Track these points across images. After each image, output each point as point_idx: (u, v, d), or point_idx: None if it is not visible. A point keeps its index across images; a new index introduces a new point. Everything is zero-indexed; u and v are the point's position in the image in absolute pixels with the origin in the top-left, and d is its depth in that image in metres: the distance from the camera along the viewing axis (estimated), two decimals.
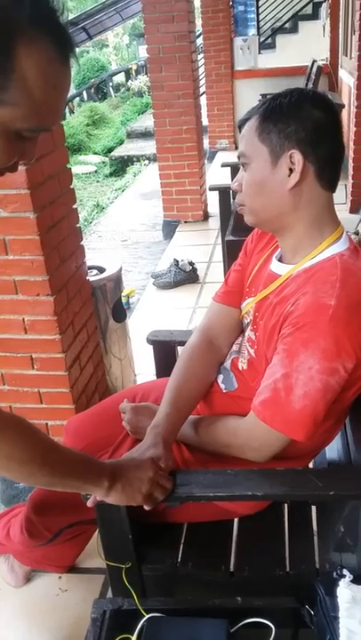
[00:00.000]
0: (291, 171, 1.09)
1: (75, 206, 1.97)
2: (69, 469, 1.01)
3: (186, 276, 3.86)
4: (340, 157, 1.14)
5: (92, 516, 1.20)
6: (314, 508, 1.40)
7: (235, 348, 1.35)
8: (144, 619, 0.99)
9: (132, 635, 0.98)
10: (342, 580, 0.90)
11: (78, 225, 2.00)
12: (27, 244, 1.69)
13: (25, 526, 1.43)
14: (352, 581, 0.93)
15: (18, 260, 1.72)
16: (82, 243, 2.03)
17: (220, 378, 1.34)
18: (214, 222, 4.73)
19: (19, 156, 0.79)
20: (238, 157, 1.16)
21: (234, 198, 3.53)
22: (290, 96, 1.10)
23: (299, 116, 1.08)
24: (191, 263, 3.91)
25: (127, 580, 1.16)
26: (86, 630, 1.54)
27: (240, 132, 1.16)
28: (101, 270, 2.29)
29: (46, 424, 1.97)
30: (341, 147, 1.14)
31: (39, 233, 1.68)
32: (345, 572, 0.92)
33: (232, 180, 3.71)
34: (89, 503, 1.12)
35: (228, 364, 1.34)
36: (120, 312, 2.39)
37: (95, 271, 2.27)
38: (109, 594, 1.62)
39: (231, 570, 1.25)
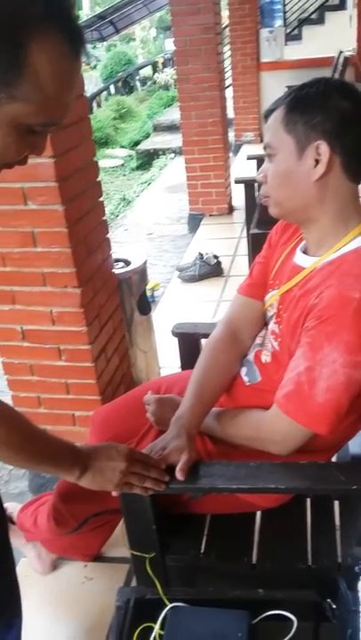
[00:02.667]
0: (317, 162, 1.08)
1: (101, 199, 1.98)
2: (43, 457, 1.04)
3: (210, 270, 3.86)
4: None
5: (117, 506, 1.22)
6: (337, 503, 1.40)
7: (258, 340, 1.35)
8: (167, 608, 1.00)
9: (155, 623, 0.99)
10: None
11: (104, 218, 2.01)
12: (55, 236, 1.71)
13: (52, 514, 1.46)
14: None
15: (46, 253, 1.74)
16: (108, 235, 2.04)
17: (244, 370, 1.34)
18: (239, 215, 4.71)
19: (29, 149, 0.80)
20: (264, 148, 1.16)
21: (259, 191, 3.51)
22: (317, 86, 1.09)
23: (325, 106, 1.07)
24: (216, 256, 3.90)
25: (151, 569, 1.17)
26: (110, 619, 1.57)
27: (266, 122, 1.15)
28: (127, 263, 2.30)
29: (73, 415, 2.00)
30: None
31: (67, 225, 1.70)
32: None
33: (258, 172, 3.67)
34: (113, 493, 1.13)
35: (251, 356, 1.34)
36: (145, 305, 2.40)
37: (121, 264, 2.28)
38: (134, 583, 1.64)
39: (253, 562, 1.25)
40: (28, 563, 1.75)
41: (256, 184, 3.43)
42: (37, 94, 0.72)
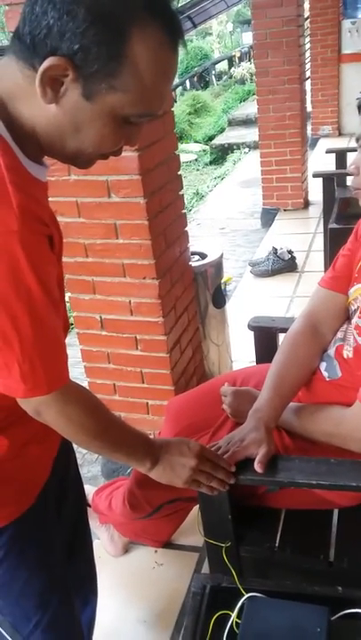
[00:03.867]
0: None
1: (181, 192, 2.00)
2: (119, 446, 1.05)
3: (284, 265, 3.81)
4: None
5: (192, 494, 1.23)
6: None
7: (339, 335, 1.33)
8: (244, 597, 1.00)
9: (232, 612, 0.99)
10: None
11: (183, 211, 2.03)
12: (136, 228, 1.75)
13: (127, 499, 1.49)
14: None
15: (127, 244, 1.78)
16: (186, 229, 2.06)
17: (323, 365, 1.32)
18: (315, 210, 4.62)
19: (124, 141, 0.82)
20: (357, 140, 1.13)
21: (338, 185, 3.42)
22: None
23: None
24: (290, 252, 3.84)
25: (226, 558, 1.18)
26: (181, 604, 1.60)
27: (359, 113, 1.13)
28: (203, 256, 2.31)
29: (147, 403, 2.03)
30: None
31: (148, 218, 1.72)
32: None
33: (336, 166, 3.58)
34: None
35: (332, 351, 1.32)
36: (220, 298, 2.40)
37: (197, 257, 2.29)
38: (204, 570, 1.66)
39: (330, 559, 1.23)
40: (101, 544, 1.80)
41: (335, 178, 3.35)
42: (136, 84, 0.74)
